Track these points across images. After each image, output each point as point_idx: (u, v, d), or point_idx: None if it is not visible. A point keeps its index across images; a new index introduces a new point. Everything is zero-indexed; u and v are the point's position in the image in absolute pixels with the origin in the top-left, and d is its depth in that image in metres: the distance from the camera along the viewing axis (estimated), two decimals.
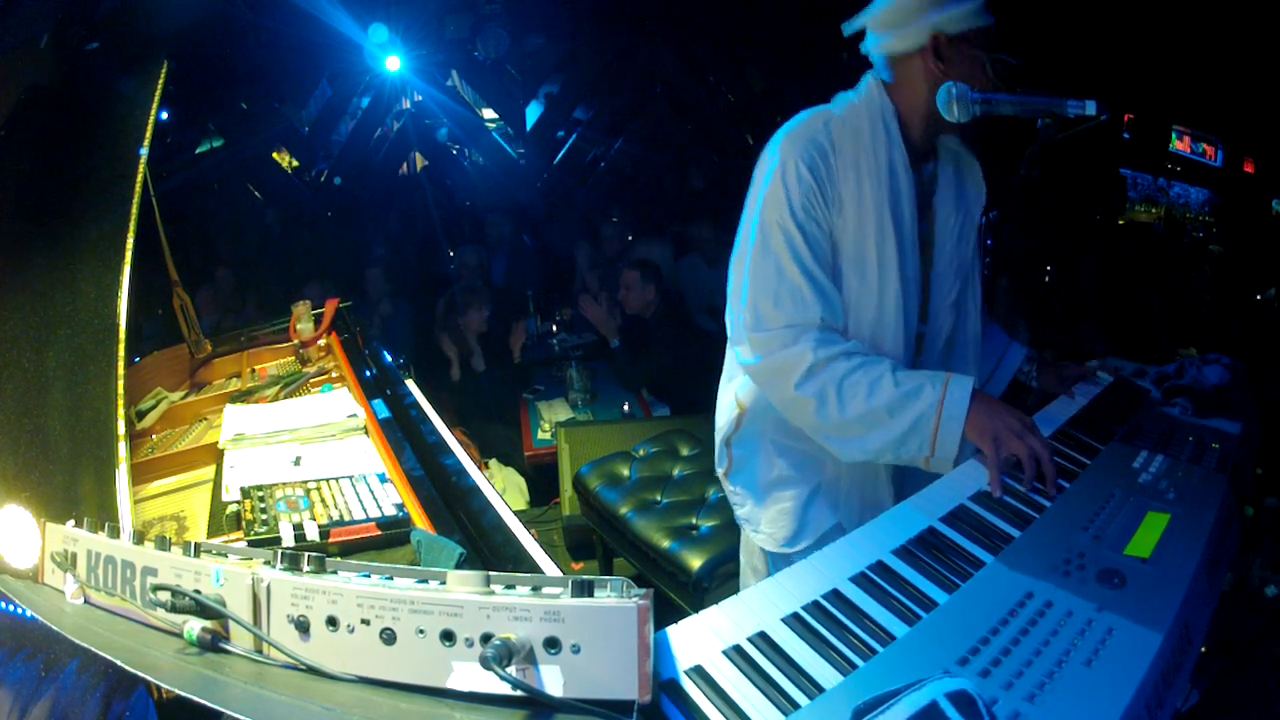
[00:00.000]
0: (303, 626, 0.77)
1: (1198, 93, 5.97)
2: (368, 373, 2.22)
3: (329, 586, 0.76)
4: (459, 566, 1.13)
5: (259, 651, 0.81)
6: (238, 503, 1.46)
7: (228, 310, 4.41)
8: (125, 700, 1.04)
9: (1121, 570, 0.92)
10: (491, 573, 0.75)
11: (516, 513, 1.67)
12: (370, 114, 6.75)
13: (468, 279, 4.51)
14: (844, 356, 1.28)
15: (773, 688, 0.77)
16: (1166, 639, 0.82)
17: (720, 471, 1.63)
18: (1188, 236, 6.84)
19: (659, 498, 2.51)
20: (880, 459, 1.31)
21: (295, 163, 6.84)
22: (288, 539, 1.30)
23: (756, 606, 0.89)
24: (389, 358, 2.37)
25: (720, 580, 2.09)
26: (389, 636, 0.73)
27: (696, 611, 0.87)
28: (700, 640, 0.83)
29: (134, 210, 1.59)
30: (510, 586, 0.73)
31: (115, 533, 0.97)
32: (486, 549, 1.24)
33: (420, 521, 1.37)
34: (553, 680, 0.69)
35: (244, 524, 1.35)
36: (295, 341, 2.54)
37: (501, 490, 3.43)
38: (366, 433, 1.79)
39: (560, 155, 7.00)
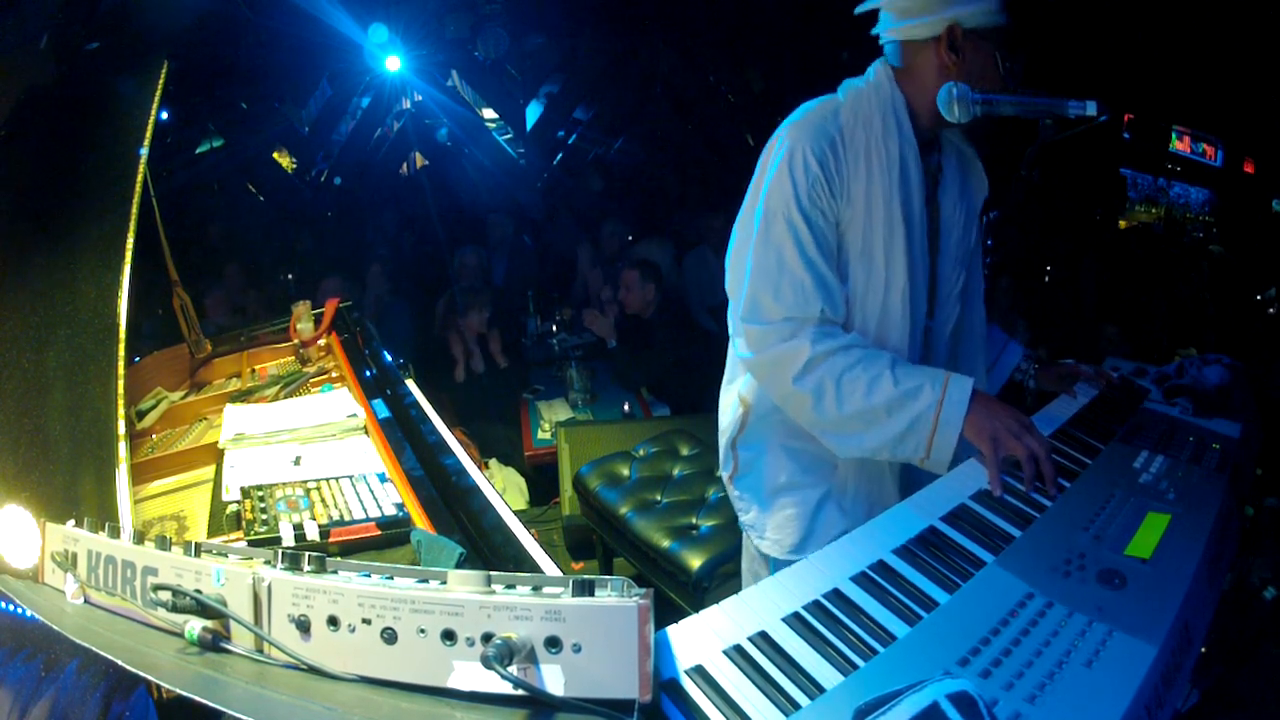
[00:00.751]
0: (303, 626, 0.77)
1: (1198, 93, 5.97)
2: (368, 373, 2.22)
3: (330, 586, 0.76)
4: (459, 566, 1.13)
5: (260, 651, 0.81)
6: (238, 503, 1.46)
7: (236, 310, 4.37)
8: (125, 700, 1.03)
9: (1122, 571, 0.92)
10: (492, 572, 0.74)
11: (516, 513, 1.66)
12: (370, 114, 6.76)
13: (468, 280, 4.51)
14: (842, 351, 1.27)
15: (773, 688, 0.77)
16: (1167, 640, 0.82)
17: (725, 476, 1.60)
18: (1188, 236, 6.84)
19: (659, 497, 2.51)
20: (878, 456, 1.31)
21: (295, 163, 6.84)
22: (288, 539, 1.30)
23: (757, 606, 0.89)
24: (389, 358, 2.37)
25: (720, 580, 2.09)
26: (390, 636, 0.73)
27: (696, 611, 0.87)
28: (701, 640, 0.83)
29: (134, 210, 1.59)
30: (511, 586, 0.73)
31: (115, 532, 0.97)
32: (486, 549, 1.23)
33: (420, 521, 1.37)
34: (554, 679, 0.69)
35: (244, 524, 1.35)
36: (295, 341, 2.54)
37: (501, 490, 3.43)
38: (366, 433, 1.79)
39: (560, 155, 7.00)
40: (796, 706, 0.75)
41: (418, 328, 4.36)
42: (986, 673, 0.77)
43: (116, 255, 1.53)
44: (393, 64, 5.95)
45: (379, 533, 1.34)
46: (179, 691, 0.73)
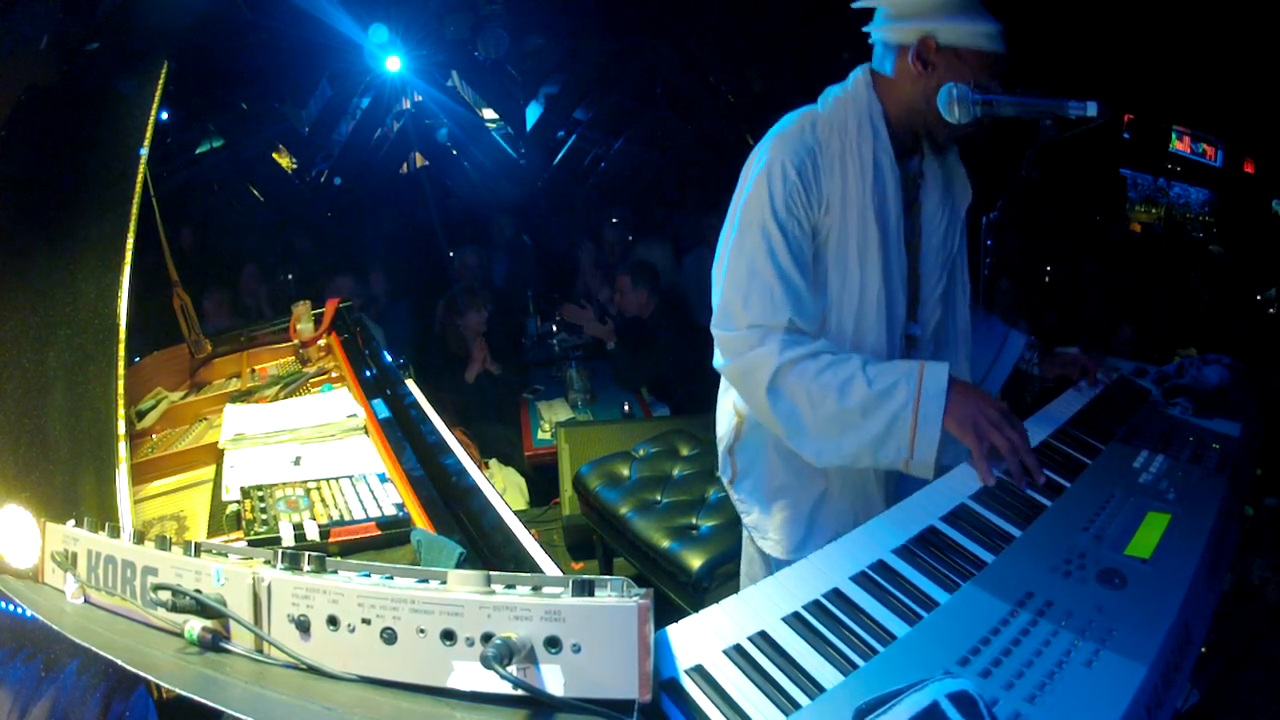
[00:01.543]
0: (303, 626, 0.77)
1: (1198, 93, 5.97)
2: (368, 373, 2.22)
3: (330, 586, 0.76)
4: (459, 566, 1.12)
5: (260, 651, 0.81)
6: (238, 502, 1.46)
7: (245, 311, 4.29)
8: (125, 700, 1.03)
9: (1122, 570, 0.92)
10: (492, 572, 0.74)
11: (516, 513, 1.66)
12: (370, 114, 6.74)
13: (468, 280, 4.51)
14: (811, 357, 1.26)
15: (773, 687, 0.77)
16: (1166, 639, 0.82)
17: (725, 480, 1.62)
18: (1187, 236, 6.85)
19: (659, 498, 2.51)
20: (859, 463, 1.28)
21: (295, 163, 6.84)
22: (288, 539, 1.30)
23: (757, 606, 0.89)
24: (389, 358, 2.37)
25: (720, 580, 2.09)
26: (390, 636, 0.73)
27: (696, 611, 0.87)
28: (701, 640, 0.83)
29: (134, 210, 1.59)
30: (511, 586, 0.73)
31: (115, 532, 0.97)
32: (486, 549, 1.23)
33: (420, 521, 1.37)
34: (553, 679, 0.69)
35: (244, 524, 1.35)
36: (295, 341, 2.54)
37: (501, 490, 3.43)
38: (366, 433, 1.79)
39: (560, 155, 7.00)
40: (796, 706, 0.75)
41: (418, 328, 4.36)
42: (986, 672, 0.77)
43: (116, 255, 1.53)
44: (393, 64, 5.95)
45: (379, 533, 1.34)
46: (179, 691, 0.73)
